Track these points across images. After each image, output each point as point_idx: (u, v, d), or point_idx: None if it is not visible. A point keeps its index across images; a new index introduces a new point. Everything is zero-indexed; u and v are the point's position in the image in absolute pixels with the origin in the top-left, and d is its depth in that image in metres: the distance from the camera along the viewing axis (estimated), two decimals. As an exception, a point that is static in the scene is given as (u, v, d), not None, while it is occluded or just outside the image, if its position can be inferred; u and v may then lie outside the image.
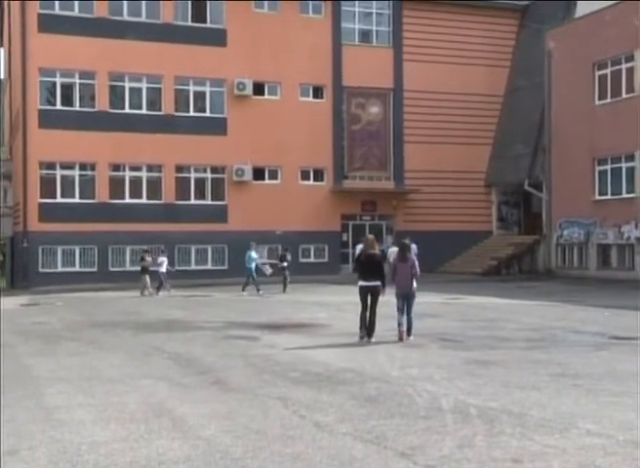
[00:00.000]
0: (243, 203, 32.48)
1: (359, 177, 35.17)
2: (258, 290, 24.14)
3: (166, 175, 31.98)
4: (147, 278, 24.71)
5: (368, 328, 12.94)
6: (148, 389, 8.92)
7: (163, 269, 25.10)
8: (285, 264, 25.54)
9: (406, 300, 13.21)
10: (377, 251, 13.25)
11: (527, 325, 15.21)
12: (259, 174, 33.13)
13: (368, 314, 12.99)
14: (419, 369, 10.07)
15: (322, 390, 8.71)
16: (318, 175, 34.36)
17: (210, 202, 32.65)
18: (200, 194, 32.69)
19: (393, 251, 28.92)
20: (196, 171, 32.74)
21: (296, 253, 33.44)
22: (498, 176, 35.87)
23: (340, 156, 34.59)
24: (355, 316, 14.94)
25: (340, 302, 20.83)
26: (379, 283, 12.82)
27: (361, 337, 12.86)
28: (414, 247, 23.63)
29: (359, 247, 28.42)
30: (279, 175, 33.59)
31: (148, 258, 25.64)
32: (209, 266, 32.29)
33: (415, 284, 13.30)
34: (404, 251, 13.48)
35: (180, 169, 32.38)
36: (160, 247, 29.35)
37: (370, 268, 12.87)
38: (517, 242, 34.95)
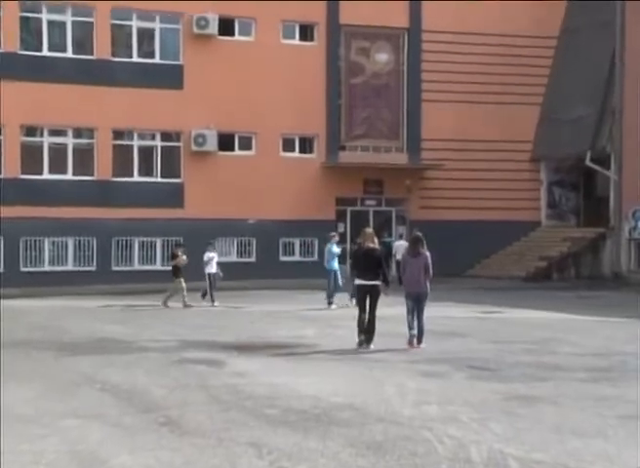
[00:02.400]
0: (205, 181, 32.44)
1: (361, 148, 35.16)
2: (329, 301, 23.27)
3: (100, 143, 31.90)
4: (183, 282, 23.93)
5: (366, 332, 14.75)
6: (75, 432, 8.88)
7: (213, 269, 24.50)
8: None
9: (417, 302, 14.93)
10: (376, 245, 15.33)
11: (588, 348, 15.26)
12: (226, 142, 33.07)
13: (367, 317, 14.81)
14: (439, 406, 10.08)
15: (309, 434, 8.70)
16: (306, 144, 34.34)
17: (160, 179, 32.60)
18: (146, 169, 32.63)
19: (401, 245, 29.10)
20: (141, 137, 32.65)
21: (275, 248, 33.47)
22: (549, 148, 35.94)
23: (336, 119, 34.56)
24: (353, 332, 15.20)
25: (332, 315, 20.82)
26: (378, 282, 14.92)
27: (359, 344, 14.76)
28: None
29: (400, 244, 28.27)
30: (253, 145, 33.54)
31: (183, 256, 24.57)
32: (157, 266, 32.25)
33: (428, 283, 15.02)
34: (416, 244, 15.10)
35: (118, 134, 32.29)
36: (209, 240, 27.69)
37: (369, 265, 14.92)
38: (575, 236, 35.06)
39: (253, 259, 33.24)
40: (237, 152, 33.43)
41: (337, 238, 24.45)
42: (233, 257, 33.01)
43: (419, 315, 14.99)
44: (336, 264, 23.86)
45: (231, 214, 32.40)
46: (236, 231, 32.59)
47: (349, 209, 34.86)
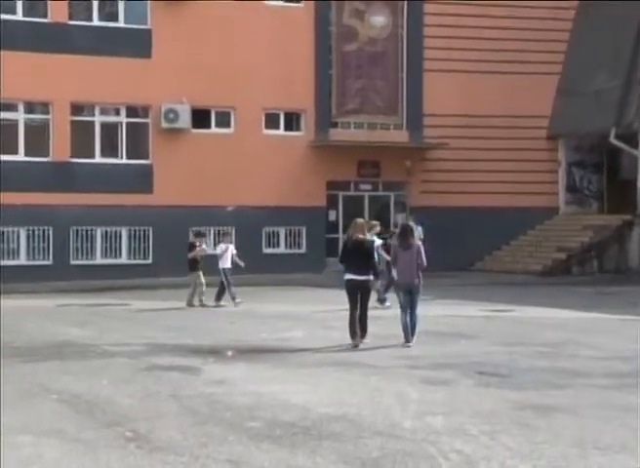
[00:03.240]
0: (177, 163, 32.39)
1: (354, 125, 35.13)
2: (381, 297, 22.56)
3: (56, 119, 31.81)
4: (201, 277, 23.53)
5: (360, 329, 15.65)
6: (28, 449, 8.85)
7: (228, 264, 23.93)
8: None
9: (410, 296, 15.88)
10: (367, 236, 16.38)
11: (612, 352, 15.29)
12: (201, 118, 33.01)
13: (358, 314, 15.66)
14: (444, 416, 10.10)
15: (297, 449, 8.70)
16: (292, 120, 34.30)
17: (125, 161, 32.54)
18: (110, 149, 32.56)
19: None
20: (103, 112, 32.57)
21: (257, 239, 33.43)
22: (568, 123, 35.96)
23: (326, 92, 34.51)
24: (346, 334, 15.77)
25: (323, 316, 20.86)
26: (369, 277, 15.87)
27: (354, 346, 15.53)
28: (419, 230, 24.03)
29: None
30: (232, 121, 33.49)
31: (203, 245, 24.31)
32: (123, 260, 32.21)
33: (420, 275, 15.93)
34: (406, 235, 16.04)
35: (77, 109, 32.20)
36: (226, 229, 26.35)
37: (359, 258, 15.72)
38: (597, 224, 35.10)
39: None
40: (214, 129, 33.36)
41: (378, 228, 23.20)
42: (209, 249, 32.94)
43: (411, 310, 15.82)
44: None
45: (207, 199, 32.35)
46: (213, 219, 32.54)
47: (341, 194, 34.85)
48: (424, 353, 14.98)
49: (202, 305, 23.47)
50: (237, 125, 33.41)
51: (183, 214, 31.69)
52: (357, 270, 15.70)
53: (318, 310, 22.23)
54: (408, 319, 15.76)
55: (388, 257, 22.51)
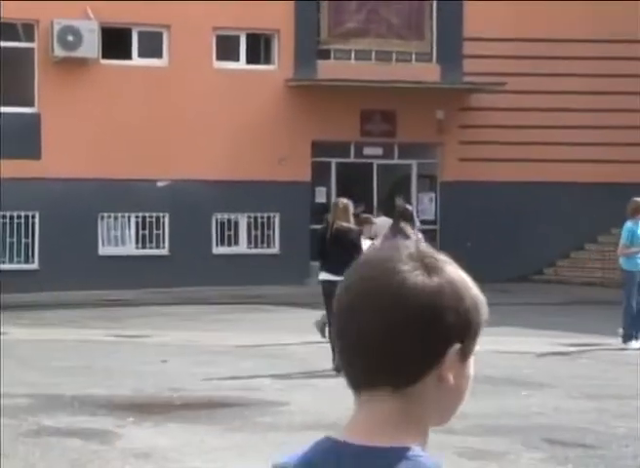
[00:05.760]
0: (78, 113, 32.36)
1: (356, 55, 35.16)
2: (627, 332, 22.00)
3: None
4: None
5: None
6: None
7: None
8: None
9: None
10: (351, 224, 17.76)
11: None
12: (116, 42, 32.99)
13: None
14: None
15: None
16: (259, 47, 34.31)
17: (-2, 109, 32.58)
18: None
19: (382, 222, 29.74)
20: (-35, 33, 32.59)
21: (204, 231, 33.40)
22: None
23: (311, 6, 34.47)
24: (340, 382, 15.34)
25: (306, 351, 20.91)
26: None
27: (336, 369, 16.15)
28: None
29: (381, 220, 29.43)
30: (165, 48, 33.45)
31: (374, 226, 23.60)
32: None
33: None
34: (405, 222, 18.36)
35: None
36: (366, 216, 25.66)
37: (339, 253, 17.02)
38: None
39: (165, 251, 33.25)
40: (136, 61, 33.36)
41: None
42: (130, 247, 32.97)
43: None
44: None
45: (127, 171, 32.30)
46: (135, 201, 32.52)
47: (335, 161, 34.90)
48: (465, 410, 14.84)
49: None
50: (173, 54, 33.38)
51: (88, 193, 31.65)
52: (336, 269, 16.43)
53: (298, 342, 22.25)
54: None
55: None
